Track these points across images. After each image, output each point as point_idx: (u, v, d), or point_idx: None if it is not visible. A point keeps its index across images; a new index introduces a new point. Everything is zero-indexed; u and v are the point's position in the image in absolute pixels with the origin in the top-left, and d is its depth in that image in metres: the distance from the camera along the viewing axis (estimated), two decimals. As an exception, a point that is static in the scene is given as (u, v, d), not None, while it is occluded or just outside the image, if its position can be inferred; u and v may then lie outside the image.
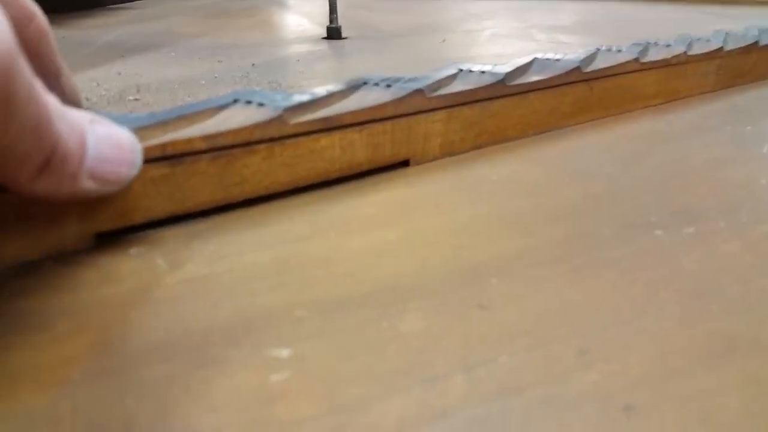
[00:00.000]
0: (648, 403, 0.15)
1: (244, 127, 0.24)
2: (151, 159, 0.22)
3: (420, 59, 0.58)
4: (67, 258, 0.21)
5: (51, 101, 0.17)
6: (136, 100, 0.44)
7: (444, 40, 0.69)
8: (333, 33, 0.71)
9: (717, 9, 0.95)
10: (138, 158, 0.21)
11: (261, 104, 0.26)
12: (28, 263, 0.21)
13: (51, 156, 0.17)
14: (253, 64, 0.57)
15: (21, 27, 0.20)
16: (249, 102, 0.27)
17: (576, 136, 0.35)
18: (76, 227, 0.22)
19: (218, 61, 0.58)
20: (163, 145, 0.23)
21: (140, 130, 0.22)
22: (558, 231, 0.24)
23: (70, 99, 0.24)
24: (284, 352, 0.17)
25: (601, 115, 0.39)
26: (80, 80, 0.50)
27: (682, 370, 0.16)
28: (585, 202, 0.26)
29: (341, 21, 0.71)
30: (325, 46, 0.67)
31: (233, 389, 0.15)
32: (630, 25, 0.81)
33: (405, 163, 0.31)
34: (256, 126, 0.25)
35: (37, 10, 0.21)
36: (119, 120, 0.23)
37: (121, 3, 1.04)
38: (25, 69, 0.16)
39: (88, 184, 0.19)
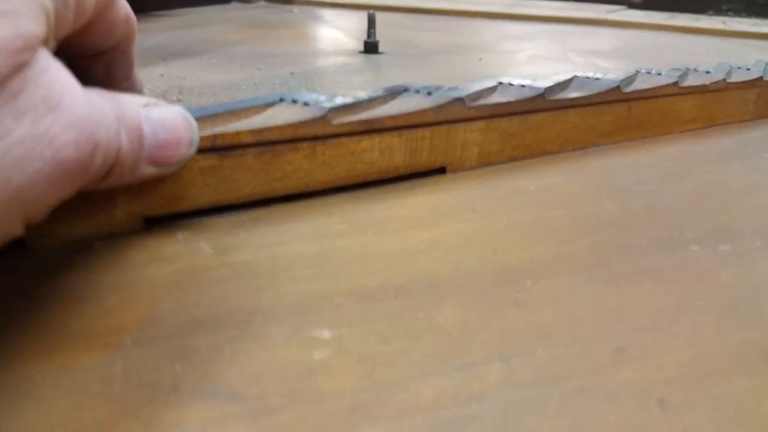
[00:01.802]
0: (683, 399, 0.15)
1: (290, 124, 0.25)
2: (201, 150, 0.23)
3: (456, 76, 0.59)
4: (116, 239, 0.22)
5: (109, 112, 0.17)
6: (178, 101, 0.45)
7: (480, 59, 0.70)
8: (370, 47, 0.72)
9: (757, 42, 0.94)
10: (195, 136, 0.22)
11: (306, 104, 0.27)
12: (81, 242, 0.21)
13: (112, 166, 0.18)
14: (291, 73, 0.58)
15: (120, 24, 0.21)
16: (294, 101, 0.27)
17: (614, 154, 0.36)
18: (125, 210, 0.22)
19: (257, 69, 0.60)
20: (213, 137, 0.23)
21: (192, 121, 0.23)
22: (595, 241, 0.24)
23: (138, 90, 0.25)
24: (325, 333, 0.17)
25: (638, 136, 0.39)
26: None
27: (716, 373, 0.16)
28: (623, 216, 0.27)
29: (378, 37, 0.72)
30: (362, 59, 0.68)
31: (276, 362, 0.16)
32: (667, 52, 0.81)
33: (441, 170, 0.31)
34: (301, 124, 0.26)
35: (128, 6, 0.22)
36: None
37: (163, 9, 1.07)
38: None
39: (148, 170, 0.20)
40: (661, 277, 0.22)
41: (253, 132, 0.24)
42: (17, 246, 0.21)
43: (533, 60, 0.71)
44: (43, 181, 0.15)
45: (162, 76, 0.53)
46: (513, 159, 0.33)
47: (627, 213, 0.27)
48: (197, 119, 0.23)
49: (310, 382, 0.15)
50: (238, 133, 0.24)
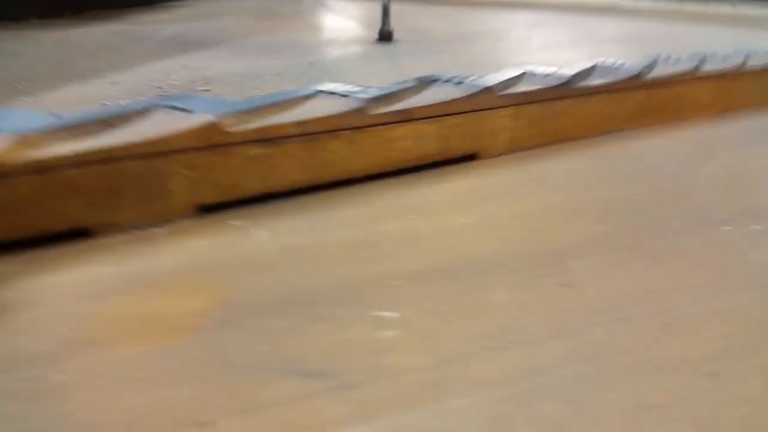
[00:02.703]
0: (732, 370, 0.16)
1: (331, 116, 0.26)
2: (250, 141, 0.24)
3: (472, 62, 0.60)
4: (174, 227, 0.23)
5: None
6: (206, 90, 0.46)
7: (495, 46, 0.70)
8: (385, 36, 0.72)
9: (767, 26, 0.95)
10: None
11: (344, 95, 0.28)
12: (140, 230, 0.22)
13: None
14: (310, 62, 0.59)
15: None
16: (332, 93, 0.28)
17: (636, 138, 0.36)
18: (181, 199, 0.23)
19: (275, 58, 0.60)
20: (261, 129, 0.24)
21: (239, 114, 0.24)
22: (629, 221, 0.25)
23: None
24: (388, 314, 0.18)
25: (658, 121, 0.40)
26: (149, 70, 0.53)
27: (761, 346, 0.17)
28: (653, 196, 0.28)
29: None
30: (377, 47, 0.68)
31: (348, 341, 0.17)
32: (679, 38, 0.82)
33: (472, 157, 0.32)
34: (341, 115, 0.27)
35: None
36: (217, 104, 0.25)
37: (173, 0, 1.07)
38: None
39: None
40: (696, 256, 0.22)
41: (297, 124, 0.25)
42: (79, 235, 0.22)
43: (547, 46, 0.71)
44: None
45: (185, 66, 0.54)
46: (539, 145, 0.34)
47: (656, 194, 0.28)
48: (246, 112, 0.24)
49: (383, 359, 0.16)
50: (284, 125, 0.25)
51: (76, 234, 0.22)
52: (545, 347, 0.17)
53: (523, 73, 0.35)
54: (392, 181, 0.29)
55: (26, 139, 0.19)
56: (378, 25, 0.73)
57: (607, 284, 0.20)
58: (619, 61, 0.39)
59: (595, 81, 0.36)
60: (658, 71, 0.39)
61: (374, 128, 0.28)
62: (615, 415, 0.15)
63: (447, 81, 0.32)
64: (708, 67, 0.42)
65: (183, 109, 0.23)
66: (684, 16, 1.04)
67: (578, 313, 0.19)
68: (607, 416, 0.14)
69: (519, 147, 0.33)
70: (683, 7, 1.11)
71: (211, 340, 0.17)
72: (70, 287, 0.19)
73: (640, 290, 0.20)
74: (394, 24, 0.74)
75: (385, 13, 0.72)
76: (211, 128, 0.22)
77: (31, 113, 0.22)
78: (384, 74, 0.55)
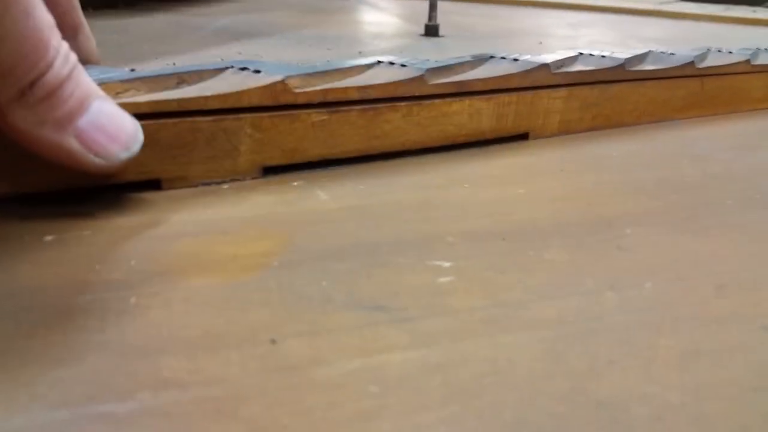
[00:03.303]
0: (787, 326, 0.16)
1: (391, 83, 0.27)
2: (314, 104, 0.25)
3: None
4: (240, 184, 0.24)
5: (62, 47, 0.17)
6: (260, 74, 0.47)
7: (540, 43, 0.70)
8: (431, 30, 0.73)
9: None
10: (136, 146, 0.20)
11: (403, 65, 0.29)
12: (208, 185, 0.24)
13: (36, 79, 0.17)
14: (360, 52, 0.60)
15: None
16: (392, 63, 0.29)
17: (688, 127, 0.37)
18: (247, 159, 0.24)
19: (327, 49, 0.62)
20: (325, 91, 0.25)
21: (305, 77, 0.25)
22: (681, 198, 0.25)
23: (86, 60, 0.24)
24: (445, 264, 0.19)
25: (709, 112, 0.40)
26: (204, 56, 0.54)
27: (816, 307, 0.17)
28: (705, 179, 0.28)
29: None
30: (424, 41, 0.69)
31: (408, 284, 0.18)
32: (725, 40, 0.81)
33: (524, 137, 0.33)
34: (401, 83, 0.27)
35: None
36: (284, 67, 0.26)
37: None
38: None
39: (71, 142, 0.18)
40: (747, 230, 0.23)
41: (359, 89, 0.26)
42: (152, 186, 0.23)
43: (594, 44, 0.71)
44: None
45: (240, 54, 0.56)
46: (591, 129, 0.34)
47: (707, 177, 0.28)
48: (311, 75, 0.25)
49: (441, 299, 0.17)
50: (346, 89, 0.26)
51: (148, 185, 0.23)
52: (600, 298, 0.17)
53: (579, 54, 0.35)
54: (446, 155, 0.29)
55: (107, 87, 0.20)
56: (423, 22, 0.74)
57: (662, 250, 0.21)
58: (672, 49, 0.39)
59: (648, 66, 0.36)
60: (711, 61, 0.39)
61: (431, 101, 0.29)
62: (666, 357, 0.15)
63: (503, 57, 0.33)
64: (761, 61, 0.42)
65: (254, 71, 0.24)
66: (731, 20, 1.02)
67: (633, 272, 0.19)
68: (658, 357, 0.15)
69: (571, 129, 0.34)
70: (729, 11, 1.09)
71: (277, 275, 0.18)
72: (141, 228, 0.20)
73: (693, 256, 0.20)
74: (439, 20, 0.75)
75: (432, 7, 0.73)
76: (279, 87, 0.23)
77: (109, 68, 0.23)
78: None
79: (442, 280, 0.18)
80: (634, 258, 0.20)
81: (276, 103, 0.24)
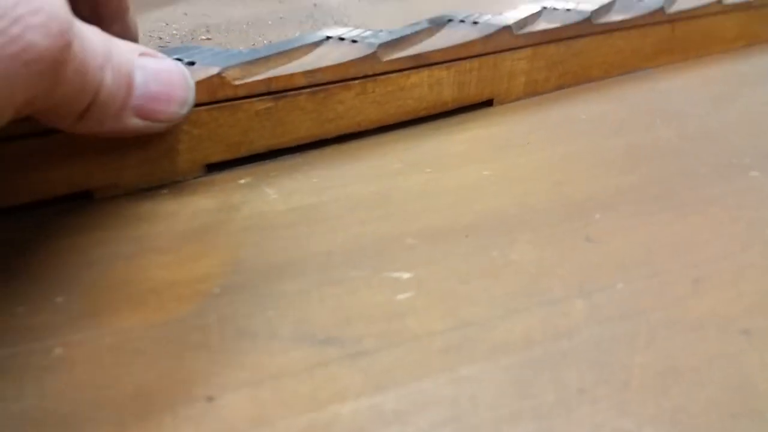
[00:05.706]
0: (765, 327, 0.15)
1: (341, 63, 0.25)
2: (257, 94, 0.23)
3: None
4: (181, 187, 0.22)
5: (97, 44, 0.16)
6: (208, 39, 0.45)
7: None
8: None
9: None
10: (191, 96, 0.20)
11: (354, 41, 0.27)
12: (146, 191, 0.22)
13: (91, 103, 0.17)
14: (315, 4, 0.57)
15: None
16: (341, 39, 0.27)
17: (659, 77, 0.35)
18: (187, 157, 0.22)
19: (279, 2, 0.58)
20: (268, 80, 0.23)
21: (245, 66, 0.23)
22: (655, 169, 0.24)
23: (132, 36, 0.23)
24: (404, 275, 0.17)
25: (681, 58, 0.38)
26: (148, 20, 0.51)
27: (798, 301, 0.16)
28: (678, 142, 0.26)
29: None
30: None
31: (363, 304, 0.16)
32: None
33: (488, 103, 0.31)
34: (351, 63, 0.25)
35: None
36: (221, 56, 0.23)
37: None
38: (76, 39, 0.15)
39: (134, 122, 0.19)
40: (725, 205, 0.21)
41: (306, 74, 0.24)
42: (82, 197, 0.21)
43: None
44: (5, 65, 0.13)
45: (186, 14, 0.52)
46: (559, 87, 0.33)
47: (682, 139, 0.27)
48: (250, 63, 0.23)
49: (399, 323, 0.15)
50: (291, 76, 0.24)
51: (78, 196, 0.21)
52: (569, 307, 0.16)
53: (543, 9, 0.33)
54: (406, 131, 0.28)
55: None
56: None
57: (634, 238, 0.19)
58: (641, -5, 0.37)
59: (616, 17, 0.34)
60: (681, 4, 0.37)
61: (386, 76, 0.26)
62: (641, 379, 0.14)
63: (462, 21, 0.30)
64: (733, -1, 0.40)
65: (187, 63, 0.22)
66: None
67: (603, 269, 0.18)
68: (633, 381, 0.14)
69: (537, 90, 0.32)
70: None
71: (218, 306, 0.16)
72: (69, 253, 0.18)
73: (667, 244, 0.19)
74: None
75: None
76: (216, 81, 0.21)
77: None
78: (393, 14, 0.53)
79: (401, 297, 0.17)
80: (604, 251, 0.19)
81: (214, 99, 0.22)
